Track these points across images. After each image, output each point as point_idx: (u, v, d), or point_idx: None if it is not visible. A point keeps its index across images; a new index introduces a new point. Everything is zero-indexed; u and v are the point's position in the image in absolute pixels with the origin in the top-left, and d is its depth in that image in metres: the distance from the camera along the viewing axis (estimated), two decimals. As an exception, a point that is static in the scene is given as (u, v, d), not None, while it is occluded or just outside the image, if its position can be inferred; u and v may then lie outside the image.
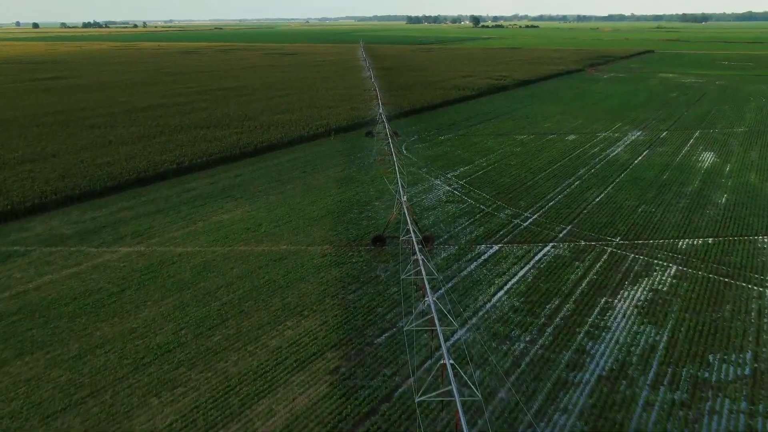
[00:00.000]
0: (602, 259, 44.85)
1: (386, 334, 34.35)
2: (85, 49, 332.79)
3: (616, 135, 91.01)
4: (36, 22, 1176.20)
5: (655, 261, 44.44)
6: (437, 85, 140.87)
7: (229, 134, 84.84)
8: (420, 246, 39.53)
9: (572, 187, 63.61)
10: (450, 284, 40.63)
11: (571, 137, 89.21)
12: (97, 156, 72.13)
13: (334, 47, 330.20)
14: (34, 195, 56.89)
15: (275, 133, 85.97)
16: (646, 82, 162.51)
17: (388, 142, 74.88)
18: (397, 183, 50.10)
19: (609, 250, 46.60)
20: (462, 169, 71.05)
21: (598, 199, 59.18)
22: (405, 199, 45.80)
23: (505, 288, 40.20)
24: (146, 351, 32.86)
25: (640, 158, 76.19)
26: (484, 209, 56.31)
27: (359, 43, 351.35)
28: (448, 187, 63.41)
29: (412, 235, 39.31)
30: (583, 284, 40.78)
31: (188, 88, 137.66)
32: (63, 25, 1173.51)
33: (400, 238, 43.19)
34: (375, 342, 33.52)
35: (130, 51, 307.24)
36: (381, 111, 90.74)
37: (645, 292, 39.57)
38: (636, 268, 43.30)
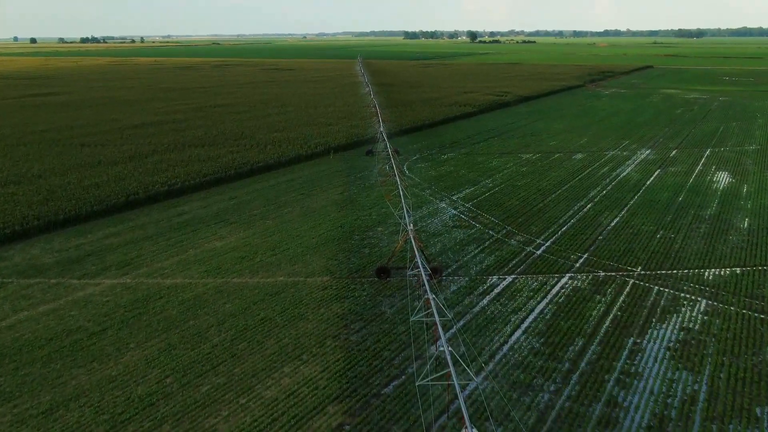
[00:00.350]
0: (625, 292, 41.51)
1: (394, 383, 30.88)
2: (82, 65, 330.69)
3: (625, 153, 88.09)
4: (34, 37, 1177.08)
5: (682, 294, 41.13)
6: (438, 102, 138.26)
7: (225, 153, 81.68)
8: (429, 278, 36.16)
9: (585, 210, 60.42)
10: (462, 323, 37.22)
11: (579, 156, 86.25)
12: (84, 177, 68.78)
13: (332, 63, 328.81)
14: (15, 221, 53.46)
15: (272, 152, 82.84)
16: (650, 98, 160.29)
17: (390, 162, 71.97)
18: (403, 209, 46.80)
19: (631, 281, 43.28)
20: (468, 190, 67.89)
21: (613, 224, 55.97)
22: (411, 227, 42.48)
23: (523, 327, 36.79)
24: (126, 404, 29.32)
25: (652, 178, 73.14)
26: (493, 235, 53.04)
27: (357, 58, 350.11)
28: (454, 211, 60.17)
29: (421, 269, 35.93)
30: (607, 322, 37.40)
31: (183, 104, 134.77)
32: (61, 40, 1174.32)
33: (408, 271, 39.82)
34: (382, 393, 30.04)
35: (127, 66, 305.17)
36: (381, 129, 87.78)
37: (676, 332, 36.20)
38: (662, 302, 39.95)
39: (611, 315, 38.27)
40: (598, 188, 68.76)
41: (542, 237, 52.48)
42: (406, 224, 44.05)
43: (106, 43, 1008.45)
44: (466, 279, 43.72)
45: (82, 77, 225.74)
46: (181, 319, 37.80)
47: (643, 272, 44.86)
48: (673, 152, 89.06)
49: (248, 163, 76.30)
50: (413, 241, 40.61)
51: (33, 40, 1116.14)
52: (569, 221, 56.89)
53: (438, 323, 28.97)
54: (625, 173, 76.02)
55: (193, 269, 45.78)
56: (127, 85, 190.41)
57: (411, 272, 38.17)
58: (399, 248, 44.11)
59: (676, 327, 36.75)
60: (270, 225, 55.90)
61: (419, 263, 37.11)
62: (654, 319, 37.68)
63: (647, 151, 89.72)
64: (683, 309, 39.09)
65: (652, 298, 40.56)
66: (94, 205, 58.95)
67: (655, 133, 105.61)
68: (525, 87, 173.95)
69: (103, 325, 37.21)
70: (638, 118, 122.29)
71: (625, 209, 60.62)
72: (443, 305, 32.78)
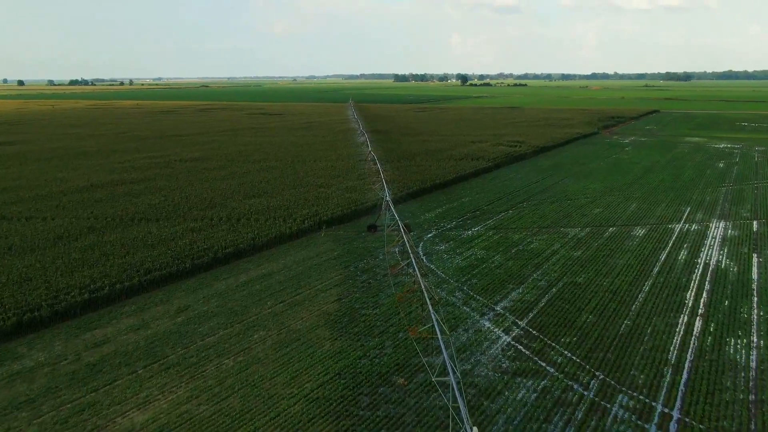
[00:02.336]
0: None
1: None
2: (58, 108, 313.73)
3: (695, 227, 69.51)
4: (22, 79, 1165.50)
5: None
6: (445, 154, 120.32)
7: (183, 232, 62.22)
8: None
9: (695, 333, 41.17)
10: None
11: (639, 232, 67.53)
12: (-26, 277, 48.88)
13: (322, 107, 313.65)
14: None
15: (245, 230, 63.45)
16: (678, 148, 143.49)
17: (402, 245, 53.23)
18: (450, 384, 27.18)
19: None
20: (514, 293, 48.57)
21: (754, 365, 36.68)
22: (475, 431, 22.83)
23: None
24: None
25: (755, 270, 54.26)
26: (580, 391, 33.52)
27: (349, 102, 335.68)
28: (505, 336, 40.70)
29: None
30: None
31: (150, 157, 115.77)
32: (50, 82, 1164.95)
33: None
34: None
35: (105, 111, 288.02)
36: (387, 197, 68.90)
37: None
38: None
39: None
40: (693, 289, 49.70)
41: (660, 396, 32.99)
42: (465, 420, 24.53)
43: (94, 85, 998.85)
44: None
45: (51, 123, 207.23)
46: None
47: None
48: (754, 224, 70.68)
49: (212, 249, 56.74)
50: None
51: (20, 83, 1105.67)
52: (684, 357, 37.59)
53: None
54: (714, 261, 57.17)
55: (80, 491, 25.68)
56: (97, 132, 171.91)
57: None
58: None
59: None
60: (228, 371, 36.04)
61: None
62: None
63: (721, 224, 71.25)
64: None
65: None
66: (-36, 332, 38.97)
67: (714, 195, 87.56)
68: (536, 135, 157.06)
69: None
70: (682, 175, 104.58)
71: (754, 331, 41.45)
72: None
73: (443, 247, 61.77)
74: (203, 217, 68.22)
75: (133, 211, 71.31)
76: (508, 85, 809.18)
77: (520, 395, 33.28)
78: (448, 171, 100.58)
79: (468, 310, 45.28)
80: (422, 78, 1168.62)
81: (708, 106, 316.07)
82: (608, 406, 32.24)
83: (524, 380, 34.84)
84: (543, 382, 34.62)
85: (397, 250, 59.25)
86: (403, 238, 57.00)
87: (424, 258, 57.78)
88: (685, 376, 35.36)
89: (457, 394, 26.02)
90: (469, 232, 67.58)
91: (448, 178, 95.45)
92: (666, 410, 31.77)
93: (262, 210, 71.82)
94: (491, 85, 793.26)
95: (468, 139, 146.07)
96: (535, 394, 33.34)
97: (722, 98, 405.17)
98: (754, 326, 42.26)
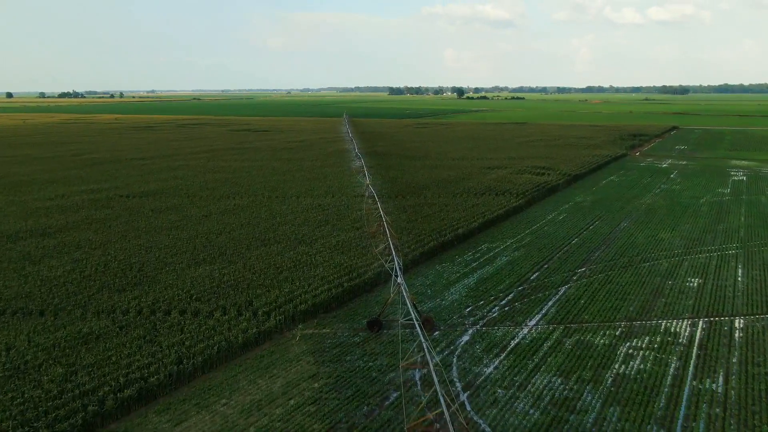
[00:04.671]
0: None
1: None
2: (30, 123, 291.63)
3: None
4: (12, 92, 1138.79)
5: None
6: (460, 186, 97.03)
7: (68, 341, 38.32)
8: None
9: None
10: None
11: (783, 328, 44.14)
12: None
13: (314, 122, 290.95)
14: None
15: (172, 336, 39.56)
16: (732, 176, 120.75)
17: (420, 359, 30.07)
18: None
19: None
20: None
21: None
22: None
23: None
24: None
25: None
26: None
27: (343, 116, 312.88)
28: None
29: None
30: None
31: (90, 191, 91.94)
32: (41, 95, 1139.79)
33: None
34: None
35: (79, 126, 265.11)
36: (398, 275, 45.17)
37: None
38: None
39: None
40: None
41: None
42: None
43: (84, 98, 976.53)
44: None
45: (3, 143, 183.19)
46: None
47: None
48: None
49: (99, 391, 32.83)
50: None
51: (9, 95, 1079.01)
52: None
53: None
54: None
55: None
56: (49, 154, 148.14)
57: None
58: None
59: None
60: None
61: None
62: None
63: None
64: None
65: None
66: None
67: (837, 252, 64.41)
68: (561, 158, 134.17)
69: None
70: (765, 214, 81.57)
71: None
72: None
73: (491, 368, 37.99)
74: (114, 308, 44.35)
75: (14, 291, 47.42)
76: (506, 98, 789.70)
77: None
78: (470, 213, 77.11)
79: None
80: (417, 91, 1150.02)
81: (725, 122, 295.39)
82: None
83: None
84: None
85: (418, 379, 35.67)
86: (424, 348, 33.48)
87: (465, 399, 34.05)
88: None
89: None
90: (525, 330, 43.91)
91: (472, 225, 71.85)
92: None
93: (209, 290, 48.04)
94: (488, 99, 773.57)
95: (483, 164, 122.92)
96: None
97: (734, 113, 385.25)
98: None
